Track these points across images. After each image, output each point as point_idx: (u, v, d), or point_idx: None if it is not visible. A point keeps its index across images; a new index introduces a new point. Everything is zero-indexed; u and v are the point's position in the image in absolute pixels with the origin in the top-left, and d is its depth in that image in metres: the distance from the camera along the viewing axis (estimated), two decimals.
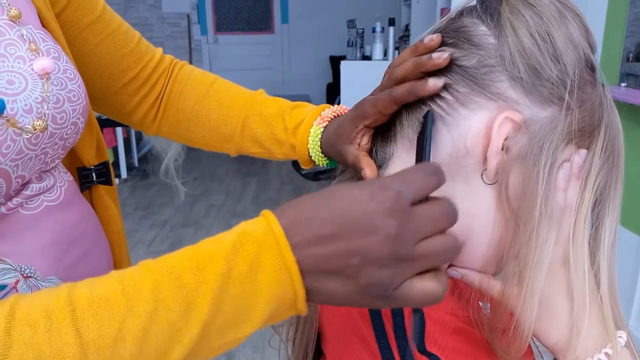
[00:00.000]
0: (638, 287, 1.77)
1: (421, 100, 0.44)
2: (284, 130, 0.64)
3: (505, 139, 0.40)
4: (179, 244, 3.33)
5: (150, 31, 5.82)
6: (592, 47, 0.42)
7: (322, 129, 0.60)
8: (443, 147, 0.43)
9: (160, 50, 0.72)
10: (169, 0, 5.65)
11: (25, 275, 0.45)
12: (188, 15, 5.79)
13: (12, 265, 0.44)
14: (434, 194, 0.34)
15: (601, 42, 1.95)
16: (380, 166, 0.49)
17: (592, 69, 0.42)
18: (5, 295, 0.42)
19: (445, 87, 0.42)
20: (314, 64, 5.97)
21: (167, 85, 0.70)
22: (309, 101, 0.68)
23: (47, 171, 0.50)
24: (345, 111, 0.61)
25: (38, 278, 0.46)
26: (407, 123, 0.45)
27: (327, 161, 0.62)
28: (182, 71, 0.71)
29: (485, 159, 0.41)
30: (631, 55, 1.84)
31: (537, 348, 0.49)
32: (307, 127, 0.62)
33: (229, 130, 0.68)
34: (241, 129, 0.67)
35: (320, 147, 0.61)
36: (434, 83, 0.41)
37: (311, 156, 0.63)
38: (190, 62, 0.80)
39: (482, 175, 0.42)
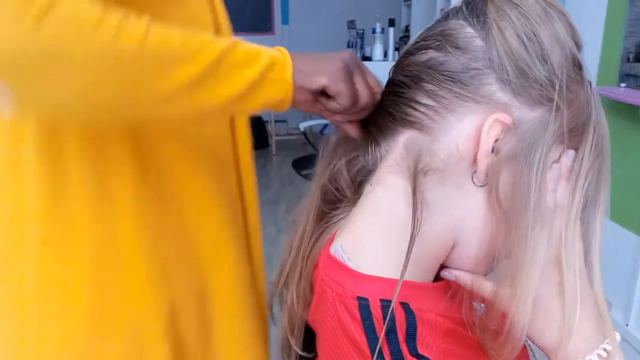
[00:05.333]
0: (637, 288, 1.77)
1: (408, 107, 0.44)
2: None
3: (495, 140, 0.41)
4: None
5: None
6: (577, 45, 0.43)
7: None
8: (436, 154, 0.43)
9: None
10: None
11: None
12: None
13: None
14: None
15: (600, 42, 1.95)
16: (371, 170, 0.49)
17: (578, 67, 0.43)
18: None
19: (432, 95, 0.42)
20: None
21: None
22: None
23: None
24: None
25: None
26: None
27: None
28: None
29: (474, 162, 0.41)
30: (631, 55, 1.84)
31: (530, 348, 0.49)
32: None
33: None
34: None
35: None
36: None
37: None
38: None
39: (472, 177, 0.42)
